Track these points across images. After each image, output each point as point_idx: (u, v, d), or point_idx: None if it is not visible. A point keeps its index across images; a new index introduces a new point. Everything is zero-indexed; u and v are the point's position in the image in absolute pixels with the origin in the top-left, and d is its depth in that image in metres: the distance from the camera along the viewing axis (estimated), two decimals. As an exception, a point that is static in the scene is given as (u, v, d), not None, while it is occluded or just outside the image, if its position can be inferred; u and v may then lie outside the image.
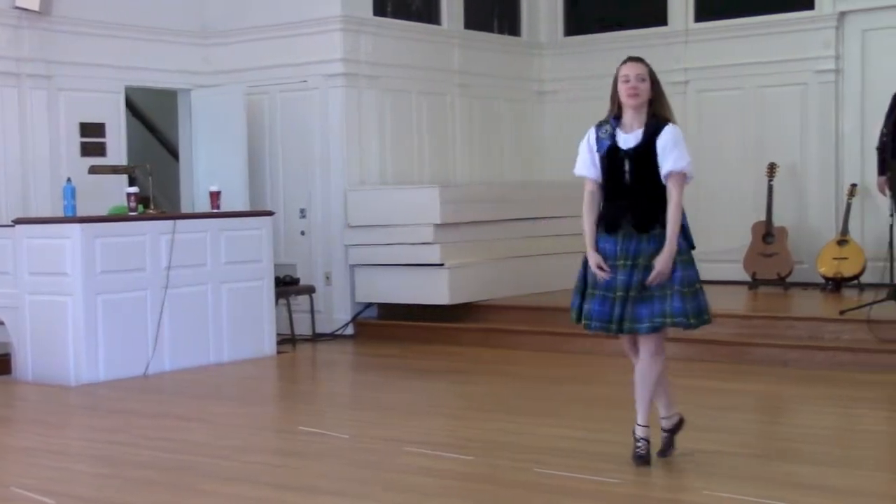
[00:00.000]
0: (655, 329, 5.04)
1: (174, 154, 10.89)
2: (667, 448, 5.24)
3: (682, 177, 5.02)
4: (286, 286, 9.33)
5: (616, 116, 5.13)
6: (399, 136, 10.12)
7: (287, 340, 9.24)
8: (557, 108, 11.50)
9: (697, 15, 10.71)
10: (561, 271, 10.19)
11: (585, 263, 5.21)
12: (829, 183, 10.15)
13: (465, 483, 5.03)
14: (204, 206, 9.22)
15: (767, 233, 9.88)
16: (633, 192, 5.08)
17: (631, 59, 5.14)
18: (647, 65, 5.11)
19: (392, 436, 5.93)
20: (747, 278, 9.99)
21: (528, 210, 10.03)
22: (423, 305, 9.45)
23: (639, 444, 5.13)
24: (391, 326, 9.63)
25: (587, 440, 5.73)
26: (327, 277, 9.76)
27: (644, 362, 5.14)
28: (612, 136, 5.11)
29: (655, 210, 5.03)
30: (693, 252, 5.14)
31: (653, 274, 4.97)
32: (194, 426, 6.39)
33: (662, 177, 5.02)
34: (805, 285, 9.88)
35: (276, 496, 4.89)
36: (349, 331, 9.73)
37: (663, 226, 5.02)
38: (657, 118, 5.06)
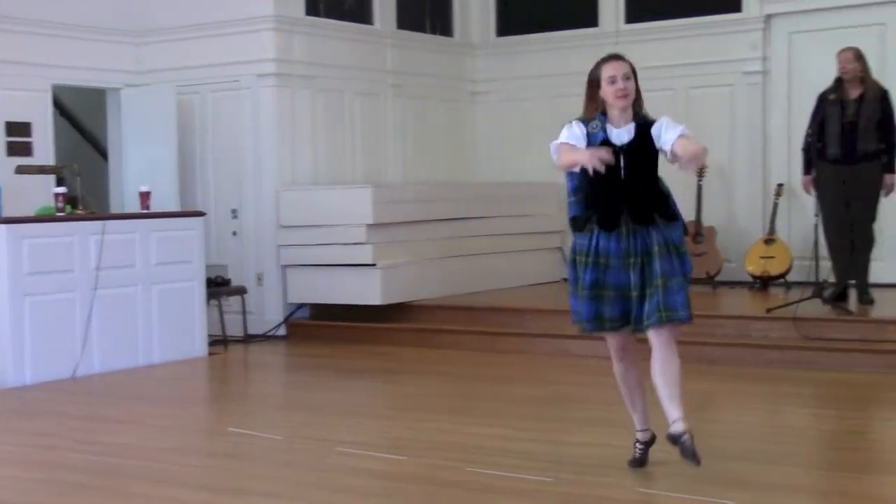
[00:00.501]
0: (688, 318, 4.88)
1: (103, 154, 10.75)
2: (644, 459, 5.11)
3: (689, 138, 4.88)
4: (217, 287, 9.26)
5: (602, 113, 4.96)
6: (332, 136, 10.09)
7: (218, 342, 9.17)
8: (490, 108, 11.54)
9: (628, 16, 10.81)
10: (493, 271, 10.27)
11: (573, 264, 5.00)
12: (757, 183, 10.30)
13: (397, 483, 5.03)
14: (134, 206, 9.11)
15: (697, 232, 9.99)
16: (629, 188, 4.91)
17: (612, 56, 4.97)
18: (628, 61, 4.96)
19: (324, 436, 5.92)
20: (677, 277, 10.08)
21: (460, 210, 10.06)
22: (355, 306, 9.44)
23: (683, 438, 4.73)
24: (323, 327, 9.60)
25: (519, 439, 5.75)
26: (259, 278, 9.70)
27: (664, 355, 4.89)
28: (605, 131, 4.93)
29: (653, 206, 4.92)
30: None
31: (688, 162, 4.78)
32: (124, 428, 6.32)
33: (671, 143, 4.85)
34: (733, 284, 10.02)
35: (206, 498, 4.85)
36: (281, 332, 9.68)
37: (663, 216, 4.91)
38: (638, 115, 4.95)
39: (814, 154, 8.27)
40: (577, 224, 5.00)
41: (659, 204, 4.95)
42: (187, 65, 9.86)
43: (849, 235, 8.31)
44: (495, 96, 11.51)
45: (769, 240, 9.78)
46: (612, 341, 5.06)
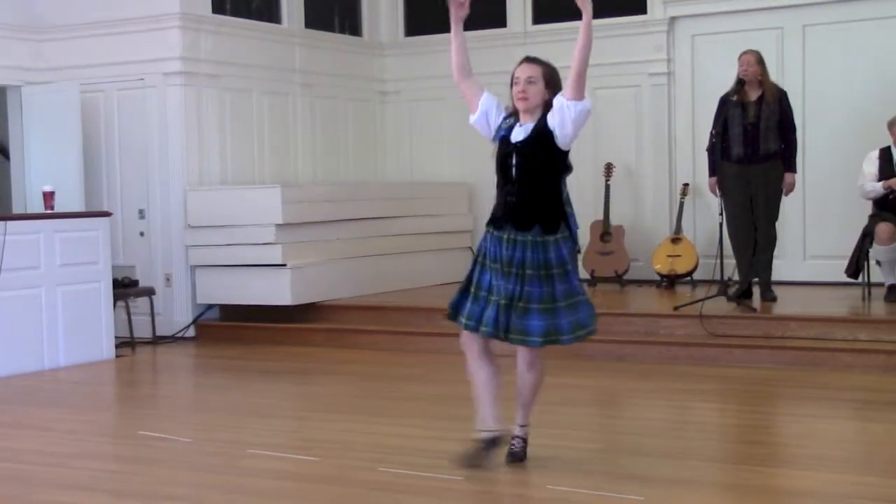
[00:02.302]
0: (547, 344, 4.90)
1: (4, 153, 10.53)
2: (523, 454, 5.15)
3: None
4: (125, 288, 9.13)
5: (516, 113, 4.99)
6: (240, 135, 10.01)
7: (126, 344, 9.04)
8: (399, 108, 11.55)
9: (535, 17, 10.90)
10: (403, 271, 10.29)
11: (474, 263, 5.04)
12: (663, 183, 10.46)
13: (309, 484, 5.01)
14: (37, 206, 8.94)
15: (605, 232, 10.12)
16: (518, 186, 4.91)
17: (526, 59, 4.98)
18: (541, 64, 4.94)
19: (235, 438, 5.87)
20: (587, 276, 10.20)
21: (370, 210, 10.05)
22: (265, 306, 9.38)
23: (513, 442, 5.07)
24: (233, 328, 9.52)
25: (430, 438, 5.78)
26: (167, 279, 9.59)
27: (521, 371, 5.03)
28: (510, 130, 4.96)
29: (537, 208, 4.89)
30: None
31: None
32: (27, 434, 6.19)
33: (564, 96, 4.86)
34: (641, 282, 10.16)
35: (114, 503, 4.79)
36: (190, 333, 9.58)
37: (544, 229, 4.87)
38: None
39: (718, 155, 8.41)
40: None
41: (545, 213, 4.90)
42: (91, 62, 9.70)
43: (752, 234, 8.48)
44: (404, 96, 11.52)
45: (676, 239, 9.94)
46: (471, 342, 5.04)
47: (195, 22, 9.56)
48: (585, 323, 4.98)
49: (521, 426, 5.16)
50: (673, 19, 10.37)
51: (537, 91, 4.93)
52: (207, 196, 9.47)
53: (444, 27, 11.95)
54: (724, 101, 8.43)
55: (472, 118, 5.17)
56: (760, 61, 8.38)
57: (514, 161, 4.93)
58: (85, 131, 9.54)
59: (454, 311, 5.06)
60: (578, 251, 5.14)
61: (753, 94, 8.38)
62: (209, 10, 9.72)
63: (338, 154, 11.08)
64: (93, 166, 9.71)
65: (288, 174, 10.48)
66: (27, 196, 9.66)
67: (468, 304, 4.99)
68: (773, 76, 8.64)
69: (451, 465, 5.06)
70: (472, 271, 5.06)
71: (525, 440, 5.16)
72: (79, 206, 9.23)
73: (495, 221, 4.99)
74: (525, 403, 5.13)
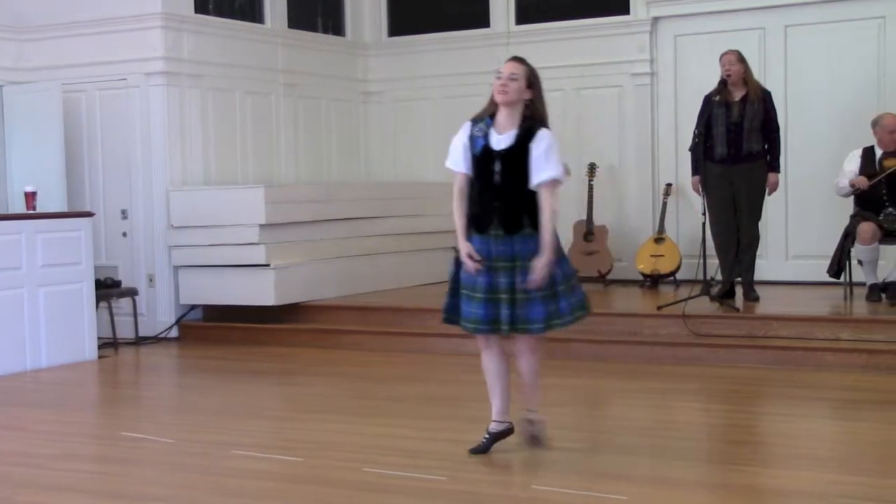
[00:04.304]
0: (550, 329, 5.15)
1: (-14, 153, 10.49)
2: (487, 447, 5.30)
3: (557, 184, 5.09)
4: (107, 289, 9.10)
5: (492, 115, 5.13)
6: (223, 135, 9.99)
7: (109, 344, 9.01)
8: (382, 108, 11.55)
9: (518, 18, 10.91)
10: (387, 271, 10.28)
11: (457, 263, 5.20)
12: (646, 183, 10.48)
13: (293, 485, 5.00)
14: (19, 207, 8.90)
15: (588, 231, 10.14)
16: (502, 192, 5.09)
17: (511, 58, 5.17)
18: (526, 65, 5.10)
19: (218, 439, 5.86)
20: (569, 276, 10.22)
21: (354, 210, 10.04)
22: (249, 307, 9.36)
23: (531, 428, 5.33)
24: (217, 328, 9.50)
25: (416, 438, 5.77)
26: (150, 279, 9.56)
27: (529, 358, 5.27)
28: (486, 136, 5.10)
29: (524, 211, 5.08)
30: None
31: (530, 280, 5.01)
32: (10, 435, 6.16)
33: (534, 185, 5.05)
34: (624, 282, 10.18)
35: (98, 505, 4.78)
36: (173, 333, 9.55)
37: (533, 226, 5.07)
38: (532, 120, 5.08)
39: (701, 155, 8.42)
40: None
41: (529, 213, 5.08)
42: (73, 62, 9.67)
43: (735, 234, 8.50)
44: (387, 96, 11.52)
45: (659, 239, 9.96)
46: (485, 339, 5.26)
47: (177, 22, 9.53)
48: (583, 304, 5.22)
49: (531, 410, 5.35)
50: (656, 20, 10.40)
51: (517, 88, 5.07)
52: (190, 196, 9.44)
53: (428, 27, 11.95)
54: (708, 101, 8.44)
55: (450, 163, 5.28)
56: (741, 60, 8.41)
57: (496, 167, 5.07)
58: (67, 131, 9.50)
59: (451, 315, 5.24)
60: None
61: (737, 94, 8.40)
62: (192, 9, 9.70)
63: (321, 154, 11.07)
64: (75, 166, 9.67)
65: (271, 174, 10.46)
66: (9, 196, 9.61)
67: (465, 307, 5.15)
68: (756, 77, 8.66)
69: (439, 463, 5.06)
70: (457, 274, 5.19)
71: (537, 423, 5.35)
72: (61, 207, 9.19)
73: (477, 224, 5.13)
74: (531, 387, 5.33)
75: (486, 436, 5.30)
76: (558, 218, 5.20)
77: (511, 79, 5.05)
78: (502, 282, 5.08)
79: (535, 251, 5.05)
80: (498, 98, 5.07)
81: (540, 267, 5.02)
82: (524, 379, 5.35)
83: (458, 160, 5.19)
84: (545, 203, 5.07)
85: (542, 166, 5.06)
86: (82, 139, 9.76)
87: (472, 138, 5.15)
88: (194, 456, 5.54)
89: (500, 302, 5.08)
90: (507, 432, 5.33)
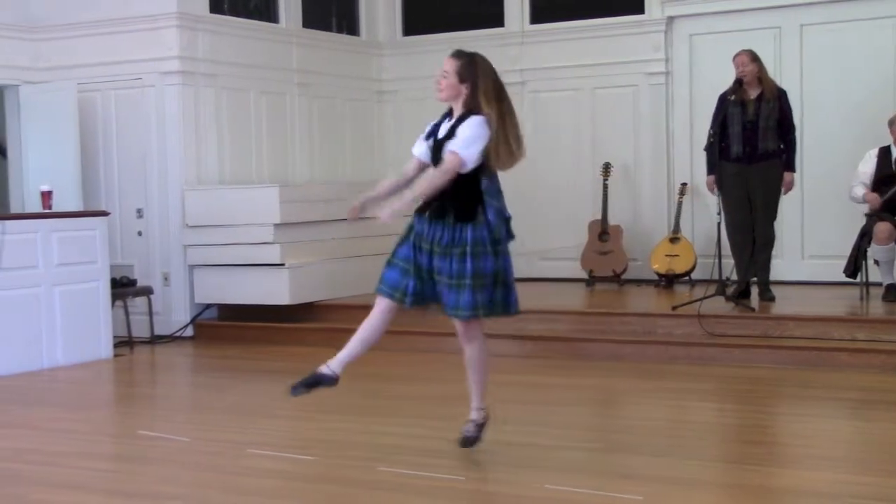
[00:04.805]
0: (468, 318, 5.17)
1: (2, 152, 10.53)
2: (474, 439, 5.36)
3: (458, 158, 5.06)
4: (123, 287, 9.13)
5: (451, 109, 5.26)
6: (237, 135, 10.01)
7: (124, 343, 9.04)
8: (397, 107, 11.55)
9: (533, 17, 10.90)
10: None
11: (402, 240, 5.32)
12: (661, 182, 10.46)
13: (307, 484, 5.01)
14: (35, 206, 8.94)
15: (603, 231, 10.12)
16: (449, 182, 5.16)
17: (451, 54, 5.22)
18: (459, 59, 5.15)
19: (233, 438, 5.87)
20: (584, 276, 10.22)
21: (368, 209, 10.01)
22: (263, 306, 9.37)
23: (466, 427, 5.37)
24: (231, 327, 9.52)
25: (429, 437, 5.77)
26: (165, 278, 9.59)
27: (464, 346, 5.36)
28: (438, 126, 5.25)
29: (451, 199, 5.11)
30: (514, 245, 5.30)
31: (381, 215, 5.17)
32: (24, 433, 6.18)
33: (444, 152, 5.11)
34: (639, 282, 10.17)
35: (111, 503, 4.79)
36: (188, 332, 9.58)
37: (457, 217, 5.10)
38: (471, 111, 5.13)
39: (716, 154, 8.40)
40: None
41: (458, 204, 5.11)
42: (89, 62, 9.70)
43: (751, 234, 8.48)
44: (402, 96, 11.51)
45: (674, 238, 9.94)
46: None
47: (192, 21, 9.55)
48: (483, 307, 5.18)
49: (476, 409, 5.39)
50: (671, 19, 10.37)
51: (448, 84, 5.17)
52: (205, 195, 9.46)
53: (442, 27, 11.94)
54: (724, 100, 8.42)
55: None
56: (755, 59, 8.38)
57: (439, 155, 5.18)
58: (82, 131, 9.54)
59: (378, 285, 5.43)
60: (511, 237, 5.28)
61: (753, 93, 8.38)
62: (207, 9, 9.72)
63: (335, 154, 11.08)
64: (90, 165, 9.71)
65: (285, 174, 10.48)
66: (25, 195, 9.65)
67: (394, 275, 5.35)
68: (771, 76, 8.64)
69: (453, 462, 5.06)
70: (397, 247, 5.35)
71: (478, 424, 5.37)
72: (77, 206, 9.23)
73: (432, 214, 5.20)
74: (474, 382, 5.38)
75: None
76: (432, 191, 5.09)
77: (443, 77, 5.16)
78: (423, 260, 5.19)
79: (472, 237, 5.09)
80: (436, 96, 5.21)
81: (388, 209, 5.14)
82: (468, 373, 5.38)
83: (417, 146, 5.33)
84: (441, 165, 5.10)
85: (453, 142, 5.09)
86: (98, 138, 9.79)
87: (431, 129, 5.28)
88: (209, 455, 5.56)
89: (431, 281, 5.20)
90: (483, 422, 5.38)
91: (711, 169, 8.52)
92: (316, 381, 5.32)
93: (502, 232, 5.15)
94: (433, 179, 5.10)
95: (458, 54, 5.20)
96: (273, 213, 9.16)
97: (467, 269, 5.09)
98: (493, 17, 10.99)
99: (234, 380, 7.88)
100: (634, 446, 5.54)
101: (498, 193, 5.18)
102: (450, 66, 5.15)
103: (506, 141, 5.11)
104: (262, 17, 10.36)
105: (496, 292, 5.18)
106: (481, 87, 5.13)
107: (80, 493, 4.92)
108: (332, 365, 5.35)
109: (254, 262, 9.27)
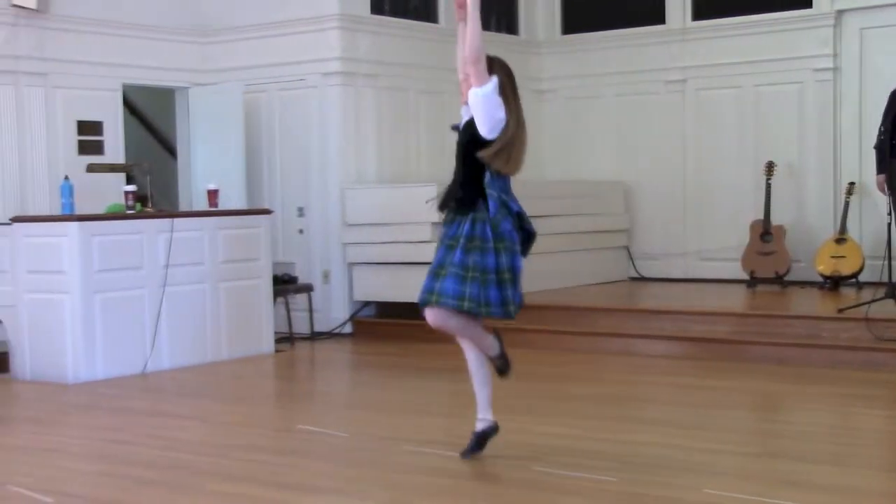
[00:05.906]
0: (458, 308, 5.07)
1: (172, 152, 10.88)
2: (475, 448, 5.33)
3: (479, 61, 5.28)
4: (284, 284, 9.32)
5: None
6: (397, 134, 10.12)
7: (285, 339, 9.24)
8: (556, 106, 11.50)
9: (695, 13, 10.71)
10: (559, 270, 10.23)
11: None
12: (828, 181, 10.16)
13: (462, 481, 5.03)
14: (202, 204, 9.21)
15: (765, 231, 9.89)
16: (457, 169, 5.28)
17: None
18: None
19: (390, 434, 5.93)
20: (746, 277, 10.00)
21: (527, 208, 9.67)
22: (421, 304, 9.43)
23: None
24: (389, 325, 9.63)
25: (584, 438, 5.73)
26: (325, 276, 9.75)
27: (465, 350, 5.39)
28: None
29: (474, 192, 5.15)
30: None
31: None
32: (193, 424, 6.39)
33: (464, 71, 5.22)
34: (803, 284, 9.89)
35: (274, 495, 4.89)
36: (347, 329, 9.73)
37: (458, 205, 5.17)
38: None
39: (887, 152, 8.13)
40: None
41: (463, 190, 5.18)
42: (254, 63, 9.95)
43: (922, 235, 8.17)
44: (561, 94, 11.47)
45: (840, 239, 9.64)
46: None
47: (354, 22, 9.70)
48: (494, 302, 5.13)
49: (479, 418, 5.37)
50: (840, 13, 10.06)
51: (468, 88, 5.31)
52: (365, 194, 9.59)
53: (602, 24, 11.84)
54: (895, 96, 8.13)
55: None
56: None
57: (456, 142, 5.32)
58: (247, 130, 9.80)
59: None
60: (532, 235, 5.47)
61: (926, 89, 8.08)
62: (368, 10, 9.86)
63: (493, 152, 11.07)
64: (254, 165, 9.95)
65: (444, 172, 10.51)
66: (192, 194, 9.96)
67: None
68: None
69: (607, 463, 5.01)
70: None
71: (478, 433, 5.34)
72: (241, 204, 9.48)
73: (441, 204, 5.32)
74: (477, 384, 5.38)
75: (471, 435, 5.35)
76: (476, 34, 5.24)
77: (463, 82, 5.32)
78: (446, 256, 5.15)
79: (477, 231, 5.10)
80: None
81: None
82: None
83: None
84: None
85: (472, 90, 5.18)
86: (262, 138, 10.03)
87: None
88: (367, 450, 5.63)
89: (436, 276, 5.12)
90: (488, 432, 5.34)
91: (881, 168, 8.25)
92: (483, 438, 5.33)
93: (506, 227, 5.17)
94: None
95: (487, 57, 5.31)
96: (431, 212, 9.17)
97: (456, 258, 5.08)
98: (654, 13, 10.84)
99: (392, 376, 7.96)
100: (797, 453, 5.39)
101: (503, 189, 5.22)
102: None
103: (521, 142, 5.29)
104: (422, 17, 10.45)
105: (490, 291, 5.12)
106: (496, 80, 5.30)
107: (242, 484, 5.04)
108: (481, 415, 5.35)
109: (412, 260, 9.34)
